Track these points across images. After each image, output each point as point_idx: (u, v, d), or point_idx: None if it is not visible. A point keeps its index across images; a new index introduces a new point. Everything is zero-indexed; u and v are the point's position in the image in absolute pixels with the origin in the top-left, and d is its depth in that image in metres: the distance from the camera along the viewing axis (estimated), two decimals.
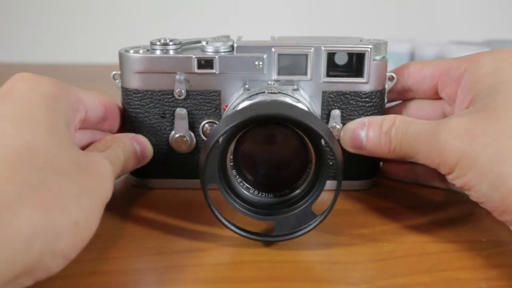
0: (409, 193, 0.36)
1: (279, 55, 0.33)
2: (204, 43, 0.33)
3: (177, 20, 0.84)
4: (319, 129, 0.26)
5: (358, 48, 0.33)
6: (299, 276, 0.26)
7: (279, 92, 0.31)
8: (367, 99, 0.34)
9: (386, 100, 0.35)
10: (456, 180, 0.27)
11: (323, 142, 0.26)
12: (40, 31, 0.85)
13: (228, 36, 0.35)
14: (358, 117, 0.33)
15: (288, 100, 0.30)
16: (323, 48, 0.32)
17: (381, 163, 0.37)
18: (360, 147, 0.31)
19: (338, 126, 0.33)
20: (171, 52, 0.33)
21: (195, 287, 0.25)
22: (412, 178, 0.37)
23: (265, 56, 0.33)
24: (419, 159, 0.29)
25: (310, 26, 0.83)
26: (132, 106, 0.34)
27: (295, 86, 0.33)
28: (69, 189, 0.22)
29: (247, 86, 0.33)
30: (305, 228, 0.28)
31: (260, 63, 0.33)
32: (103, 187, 0.25)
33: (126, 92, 0.34)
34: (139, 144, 0.32)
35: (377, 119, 0.31)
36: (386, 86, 0.34)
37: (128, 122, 0.35)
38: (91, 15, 0.84)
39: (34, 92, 0.26)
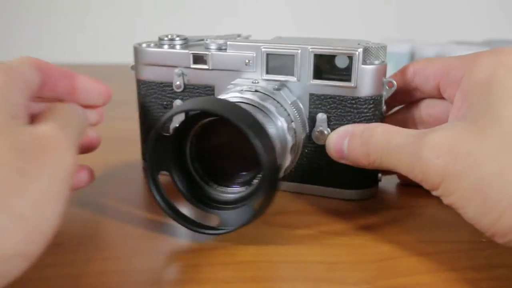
0: (409, 194, 0.36)
1: (267, 54, 0.33)
2: (207, 40, 0.34)
3: (177, 20, 0.84)
4: (239, 122, 0.25)
5: (344, 51, 0.31)
6: (299, 276, 0.26)
7: (256, 91, 0.31)
8: (356, 105, 0.32)
9: (384, 108, 0.33)
10: (442, 198, 0.25)
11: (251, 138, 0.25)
12: (40, 31, 0.85)
13: (239, 35, 0.36)
14: (347, 123, 0.32)
15: (255, 98, 0.30)
16: (310, 49, 0.32)
17: (379, 174, 0.35)
18: (342, 157, 0.30)
19: (325, 131, 0.33)
20: (177, 47, 0.35)
21: (195, 287, 0.25)
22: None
23: (254, 54, 0.33)
24: (402, 172, 0.27)
25: (309, 26, 0.83)
26: (142, 96, 0.37)
27: (276, 86, 0.32)
28: (2, 179, 0.20)
29: (232, 83, 0.33)
30: (242, 224, 0.27)
31: (250, 61, 0.33)
32: (58, 162, 0.22)
33: (138, 83, 0.38)
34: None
35: (359, 128, 0.30)
36: (384, 93, 0.32)
37: (140, 112, 0.38)
38: (91, 15, 0.84)
39: None
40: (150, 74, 0.36)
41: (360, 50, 0.31)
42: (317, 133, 0.33)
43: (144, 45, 0.36)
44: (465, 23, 0.83)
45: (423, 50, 0.50)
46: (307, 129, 0.33)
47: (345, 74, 0.32)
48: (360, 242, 0.29)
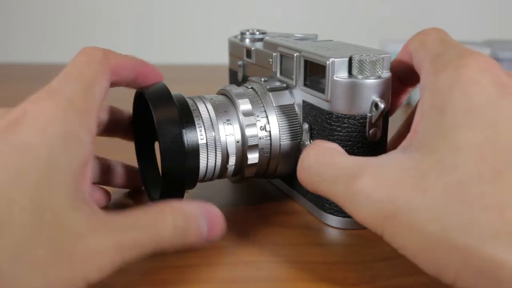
0: None
1: (281, 55, 0.33)
2: (279, 37, 0.36)
3: (178, 20, 0.84)
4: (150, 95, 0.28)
5: (319, 59, 0.29)
6: (299, 276, 0.26)
7: (251, 88, 0.33)
8: (330, 121, 0.29)
9: (369, 132, 0.28)
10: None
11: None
12: (40, 31, 0.85)
13: (316, 35, 0.36)
14: (325, 139, 0.29)
15: (234, 91, 0.32)
16: (302, 54, 0.30)
17: None
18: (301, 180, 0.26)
19: (307, 142, 0.31)
20: (256, 42, 0.38)
21: (195, 287, 0.25)
22: None
23: (274, 54, 0.33)
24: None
25: (308, 26, 0.83)
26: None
27: (271, 87, 0.32)
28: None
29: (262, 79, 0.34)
30: None
31: (270, 60, 0.34)
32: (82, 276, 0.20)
33: (229, 72, 0.42)
34: (208, 218, 0.24)
35: (306, 150, 0.26)
36: (369, 114, 0.28)
37: None
38: (91, 14, 0.84)
39: (42, 137, 0.21)
40: (230, 62, 0.42)
41: (332, 60, 0.28)
42: (301, 142, 0.31)
43: (233, 36, 0.41)
44: (465, 23, 0.83)
45: None
46: (300, 136, 0.32)
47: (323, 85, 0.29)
48: (360, 242, 0.29)
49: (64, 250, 0.19)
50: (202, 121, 0.30)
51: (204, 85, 0.53)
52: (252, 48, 0.36)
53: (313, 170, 0.25)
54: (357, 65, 0.28)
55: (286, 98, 0.32)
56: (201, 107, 0.30)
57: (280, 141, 0.31)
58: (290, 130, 0.31)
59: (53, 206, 0.20)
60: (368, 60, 0.27)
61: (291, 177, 0.34)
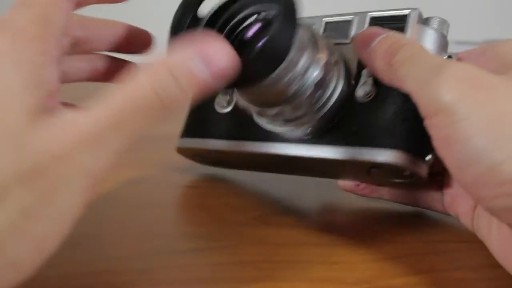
0: None
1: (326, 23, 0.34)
2: None
3: None
4: None
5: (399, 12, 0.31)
6: (299, 276, 0.26)
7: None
8: None
9: None
10: (439, 128, 0.22)
11: None
12: None
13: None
14: None
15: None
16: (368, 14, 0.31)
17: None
18: (365, 48, 0.27)
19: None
20: None
21: (195, 287, 0.25)
22: (406, 201, 0.32)
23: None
24: (411, 86, 0.24)
25: None
26: None
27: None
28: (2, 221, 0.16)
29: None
30: None
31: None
32: (70, 196, 0.18)
33: None
34: (205, 58, 0.20)
35: (397, 35, 0.27)
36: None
37: None
38: (91, 14, 0.84)
39: None
40: None
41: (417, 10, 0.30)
42: (361, 86, 0.28)
43: None
44: (465, 23, 0.83)
45: None
46: (351, 86, 0.29)
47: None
48: (360, 242, 0.29)
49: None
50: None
51: None
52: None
53: (408, 49, 0.25)
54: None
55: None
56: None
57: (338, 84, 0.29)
58: (344, 75, 0.30)
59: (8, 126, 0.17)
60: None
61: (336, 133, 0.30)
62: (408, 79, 0.24)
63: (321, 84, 0.27)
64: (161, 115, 0.19)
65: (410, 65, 0.24)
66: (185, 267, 0.27)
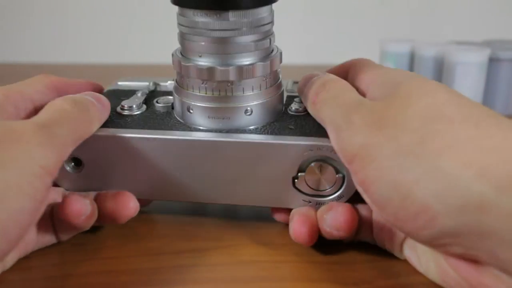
0: None
1: None
2: None
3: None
4: None
5: None
6: (299, 276, 0.26)
7: None
8: None
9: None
10: (357, 174, 0.23)
11: None
12: (40, 31, 0.85)
13: None
14: None
15: None
16: None
17: None
18: (302, 91, 0.29)
19: None
20: None
21: (195, 287, 0.25)
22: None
23: None
24: (329, 130, 0.25)
25: (306, 25, 0.83)
26: None
27: None
28: None
29: None
30: None
31: None
32: (26, 157, 0.21)
33: None
34: (89, 95, 0.28)
35: (328, 76, 0.28)
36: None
37: None
38: (91, 14, 0.84)
39: None
40: None
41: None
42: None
43: None
44: (465, 23, 0.83)
45: (423, 50, 0.50)
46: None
47: None
48: (360, 242, 0.29)
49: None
50: None
51: None
52: None
53: (331, 91, 0.26)
54: None
55: None
56: None
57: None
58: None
59: None
60: None
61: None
62: (326, 123, 0.25)
63: None
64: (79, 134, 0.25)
65: (327, 108, 0.26)
66: (185, 267, 0.27)
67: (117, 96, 0.32)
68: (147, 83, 0.34)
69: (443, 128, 0.21)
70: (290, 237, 0.28)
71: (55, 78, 0.30)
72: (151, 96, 0.33)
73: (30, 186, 0.21)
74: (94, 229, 0.29)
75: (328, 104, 0.26)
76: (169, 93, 0.33)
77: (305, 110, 0.29)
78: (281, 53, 0.29)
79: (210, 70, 0.27)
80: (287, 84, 0.34)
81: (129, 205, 0.28)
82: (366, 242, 0.28)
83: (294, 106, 0.31)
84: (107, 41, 0.80)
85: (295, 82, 0.34)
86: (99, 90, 0.32)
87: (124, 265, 0.27)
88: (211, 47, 0.27)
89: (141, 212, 0.32)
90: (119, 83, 0.34)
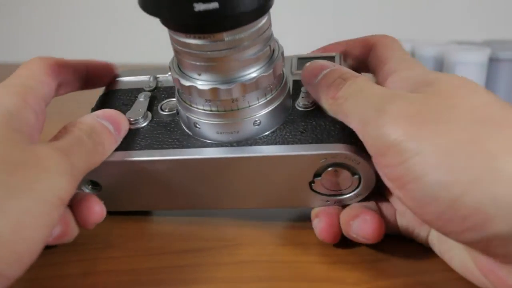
0: None
1: None
2: None
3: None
4: None
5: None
6: (299, 276, 0.26)
7: None
8: None
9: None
10: (389, 168, 0.22)
11: None
12: (40, 31, 0.85)
13: None
14: None
15: None
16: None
17: None
18: (311, 83, 0.27)
19: None
20: None
21: (195, 287, 0.25)
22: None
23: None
24: (356, 123, 0.24)
25: (306, 26, 0.83)
26: None
27: None
28: None
29: None
30: None
31: None
32: (48, 185, 0.21)
33: None
34: (109, 120, 0.27)
35: (343, 68, 0.27)
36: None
37: None
38: (92, 14, 0.84)
39: None
40: None
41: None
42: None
43: None
44: (465, 23, 0.83)
45: (423, 50, 0.50)
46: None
47: None
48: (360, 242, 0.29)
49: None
50: None
51: None
52: None
53: (353, 85, 0.25)
54: None
55: None
56: None
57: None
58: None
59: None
60: None
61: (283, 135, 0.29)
62: (352, 116, 0.24)
63: None
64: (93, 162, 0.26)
65: (353, 101, 0.24)
66: (185, 267, 0.27)
67: (119, 98, 0.32)
68: (147, 78, 0.34)
69: (494, 131, 0.20)
70: (290, 238, 0.29)
71: (52, 61, 0.28)
72: (154, 97, 0.32)
73: (46, 216, 0.21)
74: (94, 229, 0.29)
75: (354, 97, 0.24)
76: (171, 89, 0.32)
77: (313, 104, 0.29)
78: (282, 53, 0.28)
79: (213, 90, 0.26)
80: (291, 63, 0.32)
81: (94, 210, 0.27)
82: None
83: (302, 102, 0.29)
84: (107, 41, 0.80)
85: (300, 59, 0.32)
86: (111, 71, 0.33)
87: (124, 265, 0.27)
88: (209, 67, 0.25)
89: (141, 212, 0.32)
90: (118, 79, 0.34)
